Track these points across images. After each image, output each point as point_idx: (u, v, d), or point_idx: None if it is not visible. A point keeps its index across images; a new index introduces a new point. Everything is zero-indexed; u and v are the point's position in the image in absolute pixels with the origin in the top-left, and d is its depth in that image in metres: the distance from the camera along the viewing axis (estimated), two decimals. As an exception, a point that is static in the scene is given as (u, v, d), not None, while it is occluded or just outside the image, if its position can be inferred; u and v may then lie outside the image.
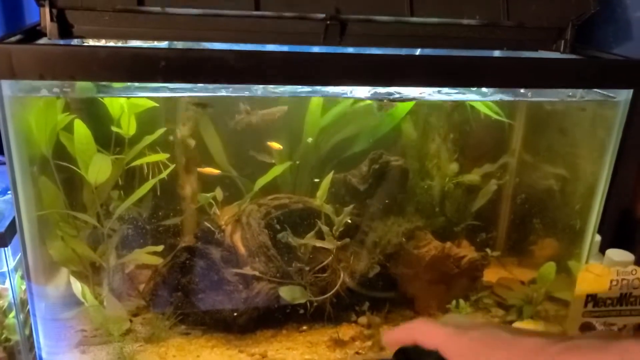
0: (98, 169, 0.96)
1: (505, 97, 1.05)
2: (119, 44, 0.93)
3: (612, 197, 1.15)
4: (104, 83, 0.88)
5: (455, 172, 1.24)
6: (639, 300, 1.02)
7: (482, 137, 1.24)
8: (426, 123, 1.20)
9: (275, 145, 1.12)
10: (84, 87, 0.87)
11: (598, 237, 1.17)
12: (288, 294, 1.09)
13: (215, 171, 1.12)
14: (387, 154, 1.16)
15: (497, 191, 1.26)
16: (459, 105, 1.16)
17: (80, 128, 0.95)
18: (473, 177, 1.23)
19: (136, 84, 0.90)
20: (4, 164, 0.88)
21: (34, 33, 0.88)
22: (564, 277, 1.18)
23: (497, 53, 1.07)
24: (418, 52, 1.04)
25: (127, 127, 1.01)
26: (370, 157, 1.17)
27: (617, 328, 1.03)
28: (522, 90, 1.05)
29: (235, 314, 1.09)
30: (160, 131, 1.04)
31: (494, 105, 1.15)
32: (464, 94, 1.06)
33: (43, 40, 0.87)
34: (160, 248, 1.06)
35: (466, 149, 1.23)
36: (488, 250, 1.23)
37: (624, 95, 1.00)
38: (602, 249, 1.19)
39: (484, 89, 1.04)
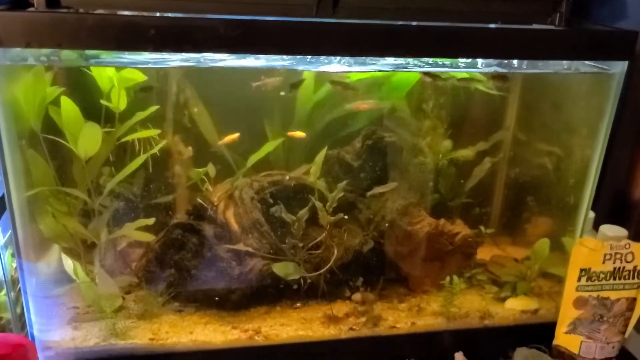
0: (88, 140, 0.95)
1: (500, 69, 1.04)
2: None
3: (606, 174, 1.14)
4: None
5: (448, 149, 1.23)
6: (632, 274, 1.01)
7: (475, 112, 1.23)
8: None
9: (298, 133, 1.12)
10: (70, 56, 0.85)
11: (592, 214, 1.17)
12: (281, 270, 1.08)
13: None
14: (380, 129, 1.15)
15: (491, 168, 1.25)
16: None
17: (68, 103, 0.94)
18: (467, 152, 1.23)
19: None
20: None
21: (21, 2, 0.86)
22: (557, 253, 1.18)
23: (491, 26, 1.06)
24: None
25: (118, 101, 0.99)
26: (363, 133, 1.16)
27: (610, 302, 1.02)
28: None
29: (228, 290, 1.09)
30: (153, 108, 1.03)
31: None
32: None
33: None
34: (151, 221, 1.04)
35: (458, 125, 1.23)
36: (482, 227, 1.23)
37: (619, 68, 1.00)
38: (596, 227, 1.18)
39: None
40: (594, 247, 1.01)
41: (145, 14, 0.87)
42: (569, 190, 1.15)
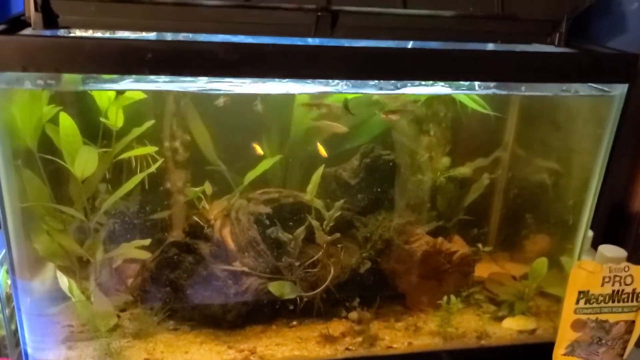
0: (85, 162, 0.94)
1: (498, 91, 1.04)
2: (106, 34, 0.91)
3: (605, 193, 1.14)
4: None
5: (446, 166, 1.22)
6: (631, 297, 1.01)
7: (473, 131, 1.23)
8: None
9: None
10: (69, 80, 0.85)
11: (590, 233, 1.17)
12: (277, 289, 1.08)
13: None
14: (378, 147, 1.14)
15: (489, 186, 1.25)
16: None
17: (66, 121, 0.93)
18: (465, 170, 1.22)
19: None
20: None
21: (18, 23, 0.86)
22: (556, 272, 1.17)
23: (490, 46, 1.06)
24: (410, 44, 1.03)
25: (115, 119, 0.99)
26: (361, 151, 1.15)
27: (609, 325, 1.02)
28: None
29: (224, 309, 1.08)
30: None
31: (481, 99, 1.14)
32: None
33: (27, 31, 0.85)
34: (147, 242, 1.04)
35: (457, 144, 1.22)
36: (480, 245, 1.23)
37: (619, 90, 0.99)
38: (595, 245, 1.18)
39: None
40: (592, 269, 1.00)
41: (143, 34, 0.87)
42: (568, 210, 1.15)
